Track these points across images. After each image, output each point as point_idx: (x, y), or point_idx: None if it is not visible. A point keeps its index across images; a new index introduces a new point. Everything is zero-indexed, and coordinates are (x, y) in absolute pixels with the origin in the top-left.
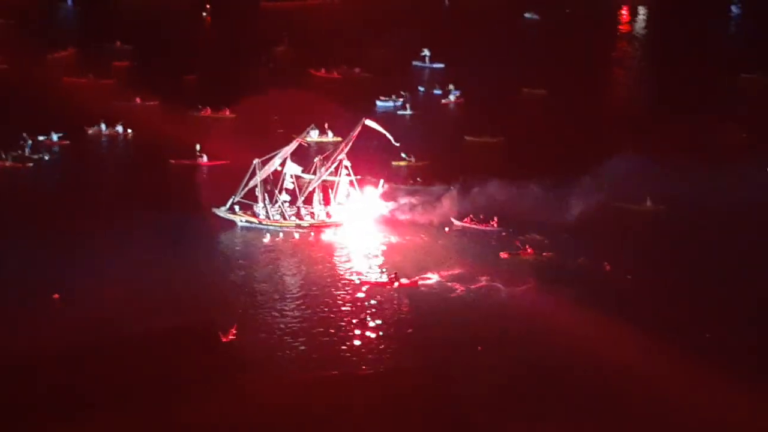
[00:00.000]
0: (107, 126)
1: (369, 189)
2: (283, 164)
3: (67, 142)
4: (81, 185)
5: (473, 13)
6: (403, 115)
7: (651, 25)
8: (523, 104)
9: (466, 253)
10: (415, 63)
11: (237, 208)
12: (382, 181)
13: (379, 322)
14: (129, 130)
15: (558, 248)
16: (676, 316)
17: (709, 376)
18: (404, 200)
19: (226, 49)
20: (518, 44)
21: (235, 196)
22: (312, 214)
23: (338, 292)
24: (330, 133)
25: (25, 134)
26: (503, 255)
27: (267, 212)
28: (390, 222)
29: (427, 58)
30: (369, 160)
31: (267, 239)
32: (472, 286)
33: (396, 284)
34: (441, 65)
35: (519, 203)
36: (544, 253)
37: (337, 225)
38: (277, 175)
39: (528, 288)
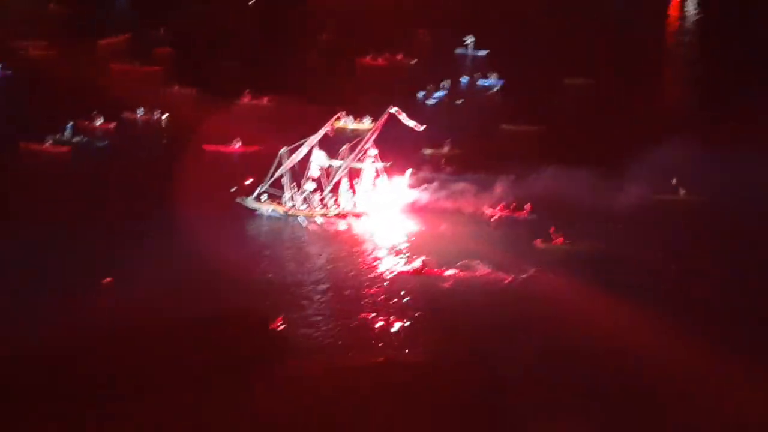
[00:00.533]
0: (144, 111)
1: (396, 178)
2: (309, 153)
3: (111, 125)
4: (115, 170)
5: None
6: (439, 104)
7: (703, 13)
8: (564, 94)
9: (497, 241)
10: (458, 50)
11: (263, 197)
12: (409, 170)
13: (414, 309)
14: (165, 116)
15: (592, 237)
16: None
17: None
18: (432, 189)
19: (271, 36)
20: (564, 32)
21: (262, 185)
22: (338, 203)
23: (367, 281)
24: (367, 120)
25: (70, 122)
26: (537, 243)
27: (293, 201)
28: (417, 211)
29: (470, 46)
30: (401, 148)
31: (293, 228)
32: (505, 274)
33: (428, 272)
34: (484, 52)
35: (554, 191)
36: (578, 243)
37: (363, 214)
38: (303, 164)
39: (559, 277)
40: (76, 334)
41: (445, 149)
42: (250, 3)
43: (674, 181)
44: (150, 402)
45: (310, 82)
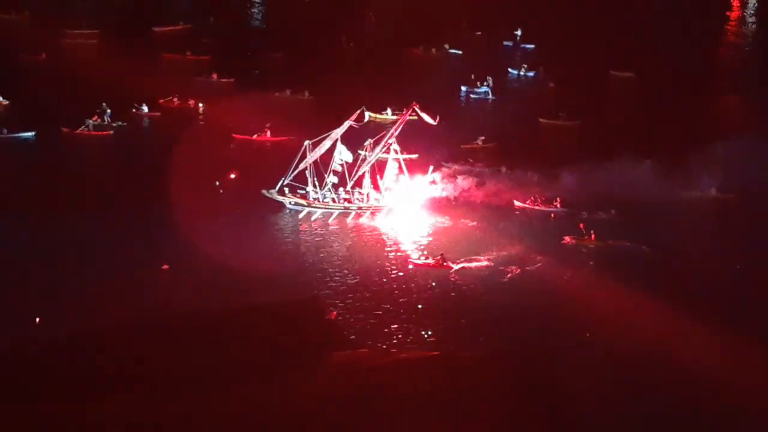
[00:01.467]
0: (179, 99)
1: (418, 173)
2: (333, 146)
3: (158, 114)
4: (148, 157)
5: None
6: (485, 99)
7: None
8: (608, 87)
9: (527, 236)
10: (506, 43)
11: (286, 190)
12: (431, 167)
13: (445, 302)
14: (201, 105)
15: (622, 235)
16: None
17: None
18: (457, 182)
19: (320, 29)
20: (612, 25)
21: (285, 177)
22: (361, 197)
23: (395, 275)
24: (389, 111)
25: (104, 103)
26: (566, 240)
27: (317, 194)
28: (440, 205)
29: (518, 38)
30: (437, 143)
31: (316, 221)
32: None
33: (456, 266)
34: (531, 46)
35: (585, 187)
36: (609, 241)
37: (386, 208)
38: (327, 158)
39: (590, 275)
40: (140, 322)
41: (479, 142)
42: None
43: (713, 185)
44: (216, 387)
45: (353, 75)
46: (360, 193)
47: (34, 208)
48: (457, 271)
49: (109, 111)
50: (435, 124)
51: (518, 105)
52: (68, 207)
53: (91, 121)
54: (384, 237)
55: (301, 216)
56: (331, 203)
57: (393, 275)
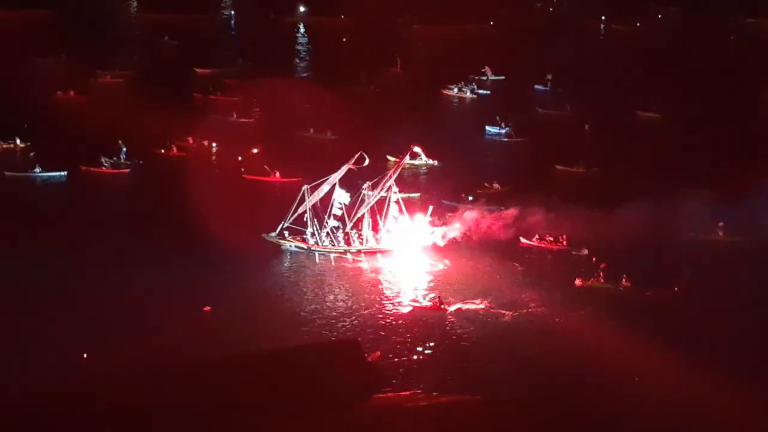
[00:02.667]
0: (193, 140)
1: (418, 215)
2: (332, 190)
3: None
4: (164, 196)
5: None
6: (508, 140)
7: None
8: (632, 129)
9: (534, 277)
10: (537, 87)
11: (286, 233)
12: (431, 207)
13: (480, 347)
14: (214, 145)
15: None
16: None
17: None
18: (459, 221)
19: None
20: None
21: (284, 221)
22: (361, 240)
23: (399, 318)
24: (423, 157)
25: (120, 141)
26: (578, 283)
27: (316, 238)
28: (442, 246)
29: (549, 83)
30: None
31: (316, 265)
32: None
33: (454, 307)
34: (560, 90)
35: (595, 229)
36: (624, 282)
37: (386, 251)
38: (326, 201)
39: (600, 319)
40: (180, 360)
41: (496, 186)
42: (344, 39)
43: (720, 224)
44: (256, 427)
45: (376, 116)
46: (360, 235)
47: (73, 246)
48: (479, 313)
49: (125, 149)
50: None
51: (540, 148)
52: (99, 245)
53: (107, 159)
54: (383, 279)
55: (301, 258)
56: (330, 246)
57: (420, 317)
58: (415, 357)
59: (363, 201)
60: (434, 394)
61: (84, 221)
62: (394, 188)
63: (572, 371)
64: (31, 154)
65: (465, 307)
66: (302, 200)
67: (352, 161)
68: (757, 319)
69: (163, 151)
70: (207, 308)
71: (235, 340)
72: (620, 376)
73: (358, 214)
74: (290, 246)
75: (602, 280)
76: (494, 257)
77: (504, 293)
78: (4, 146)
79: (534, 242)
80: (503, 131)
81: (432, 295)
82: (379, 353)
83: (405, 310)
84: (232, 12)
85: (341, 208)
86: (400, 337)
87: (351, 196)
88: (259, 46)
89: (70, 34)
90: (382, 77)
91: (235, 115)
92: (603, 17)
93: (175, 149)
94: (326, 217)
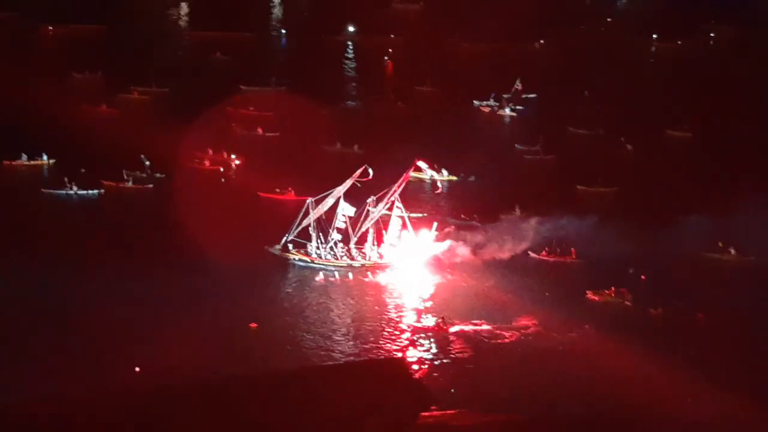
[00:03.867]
0: (214, 153)
1: (422, 230)
2: (336, 204)
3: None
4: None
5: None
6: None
7: None
8: (660, 148)
9: (542, 292)
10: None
11: (290, 246)
12: (435, 223)
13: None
14: (234, 157)
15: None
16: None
17: None
18: (461, 240)
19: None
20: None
21: (288, 234)
22: (364, 255)
23: (404, 334)
24: (445, 171)
25: (143, 156)
26: (590, 296)
27: (320, 251)
28: (443, 262)
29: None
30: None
31: (319, 278)
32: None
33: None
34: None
35: (601, 241)
36: (631, 298)
37: (389, 266)
38: (331, 215)
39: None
40: (229, 375)
41: (516, 212)
42: (386, 58)
43: (720, 243)
44: None
45: (404, 131)
46: (362, 250)
47: (103, 264)
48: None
49: (148, 163)
50: (439, 186)
51: (567, 167)
52: (135, 261)
53: (129, 173)
54: (386, 295)
55: (304, 273)
56: (333, 260)
57: (403, 334)
58: (458, 375)
59: (367, 215)
60: (480, 413)
61: (115, 238)
62: (398, 203)
63: (615, 391)
64: (65, 178)
65: (491, 326)
66: (306, 213)
67: (357, 175)
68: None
69: (197, 161)
70: (253, 325)
71: (274, 356)
72: (671, 400)
73: (362, 229)
74: (294, 259)
75: (613, 294)
76: (504, 272)
77: (525, 309)
78: (32, 162)
79: (542, 256)
80: (533, 149)
81: (439, 314)
82: (423, 371)
83: (428, 326)
84: (283, 30)
85: (345, 222)
86: (438, 355)
87: (356, 210)
88: (305, 65)
89: (115, 50)
90: (413, 94)
91: (261, 130)
92: (654, 36)
93: (207, 162)
94: (330, 230)
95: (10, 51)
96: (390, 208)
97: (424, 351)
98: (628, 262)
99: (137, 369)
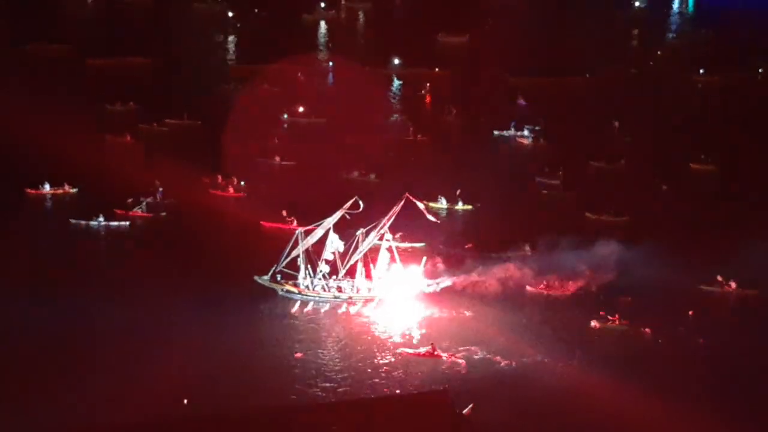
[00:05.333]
0: (224, 180)
1: (411, 264)
2: (325, 236)
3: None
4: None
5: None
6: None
7: None
8: (678, 180)
9: (545, 323)
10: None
11: (279, 277)
12: (424, 258)
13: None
14: (242, 183)
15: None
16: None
17: None
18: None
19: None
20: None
21: (277, 265)
22: (353, 287)
23: (386, 367)
24: (460, 202)
25: (157, 181)
26: (594, 324)
27: (307, 282)
28: (433, 295)
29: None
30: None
31: (307, 310)
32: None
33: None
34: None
35: (601, 274)
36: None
37: (377, 298)
38: (320, 247)
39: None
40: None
41: (527, 250)
42: (422, 92)
43: (719, 277)
44: None
45: (422, 162)
46: (352, 282)
47: (148, 294)
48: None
49: (161, 189)
50: (438, 222)
51: (582, 198)
52: (172, 292)
53: (143, 200)
54: (374, 327)
55: (291, 304)
56: (322, 292)
57: (385, 367)
58: (503, 409)
59: (356, 248)
60: None
61: (138, 269)
62: (387, 235)
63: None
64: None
65: (483, 354)
66: (296, 244)
67: (347, 207)
68: None
69: (211, 189)
70: (298, 354)
71: (260, 391)
72: None
73: (352, 261)
74: (282, 290)
75: (616, 320)
76: (504, 305)
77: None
78: (55, 191)
79: (541, 289)
80: (553, 182)
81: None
82: (472, 405)
83: (417, 354)
84: (331, 63)
85: (334, 254)
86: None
87: (346, 243)
88: (346, 97)
89: (155, 82)
90: (437, 125)
91: (278, 159)
92: (701, 71)
93: (217, 190)
94: (319, 262)
95: (50, 83)
96: (379, 240)
97: (412, 380)
98: (627, 293)
99: (185, 401)
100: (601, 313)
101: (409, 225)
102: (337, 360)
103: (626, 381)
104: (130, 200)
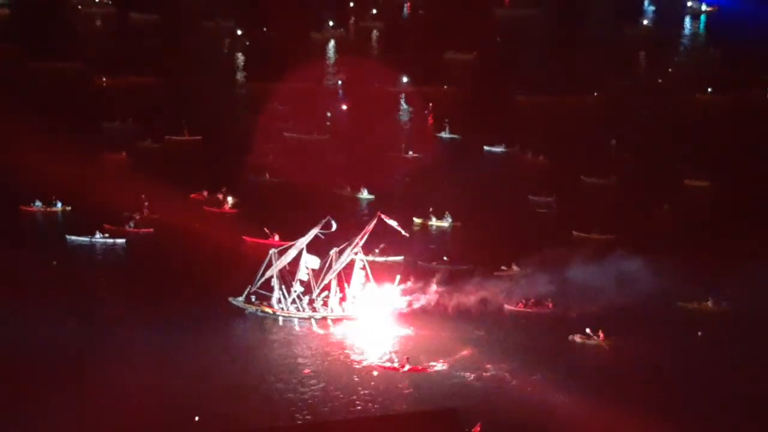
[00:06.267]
0: (210, 193)
1: (386, 283)
2: (299, 256)
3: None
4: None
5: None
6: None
7: None
8: (672, 197)
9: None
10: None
11: (253, 297)
12: (398, 276)
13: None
14: (229, 198)
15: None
16: None
17: None
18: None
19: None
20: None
21: (252, 286)
22: (327, 307)
23: (366, 385)
24: (449, 218)
25: (143, 195)
26: (575, 339)
27: (282, 303)
28: (408, 313)
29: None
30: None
31: (281, 330)
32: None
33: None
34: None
35: (577, 291)
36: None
37: (351, 318)
38: (293, 266)
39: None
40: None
41: (515, 268)
42: (425, 112)
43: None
44: None
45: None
46: (325, 302)
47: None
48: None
49: (147, 203)
50: (407, 235)
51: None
52: (140, 311)
53: (129, 215)
54: (347, 346)
55: (265, 324)
56: (295, 312)
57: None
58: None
59: (330, 267)
60: None
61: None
62: (361, 255)
63: None
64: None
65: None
66: (270, 264)
67: (320, 226)
68: None
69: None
70: (306, 371)
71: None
72: None
73: (325, 281)
74: (256, 311)
75: (601, 338)
76: (474, 323)
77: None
78: (47, 209)
79: (519, 307)
80: (547, 200)
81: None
82: (480, 425)
83: (391, 370)
84: (339, 81)
85: (308, 273)
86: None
87: (320, 262)
88: (353, 115)
89: (160, 100)
90: (433, 141)
91: (267, 175)
92: (709, 90)
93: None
94: (293, 282)
95: (53, 100)
96: (353, 260)
97: (388, 401)
98: (607, 309)
99: (197, 418)
100: (588, 330)
101: (394, 241)
102: (313, 380)
103: (609, 398)
104: (126, 214)
